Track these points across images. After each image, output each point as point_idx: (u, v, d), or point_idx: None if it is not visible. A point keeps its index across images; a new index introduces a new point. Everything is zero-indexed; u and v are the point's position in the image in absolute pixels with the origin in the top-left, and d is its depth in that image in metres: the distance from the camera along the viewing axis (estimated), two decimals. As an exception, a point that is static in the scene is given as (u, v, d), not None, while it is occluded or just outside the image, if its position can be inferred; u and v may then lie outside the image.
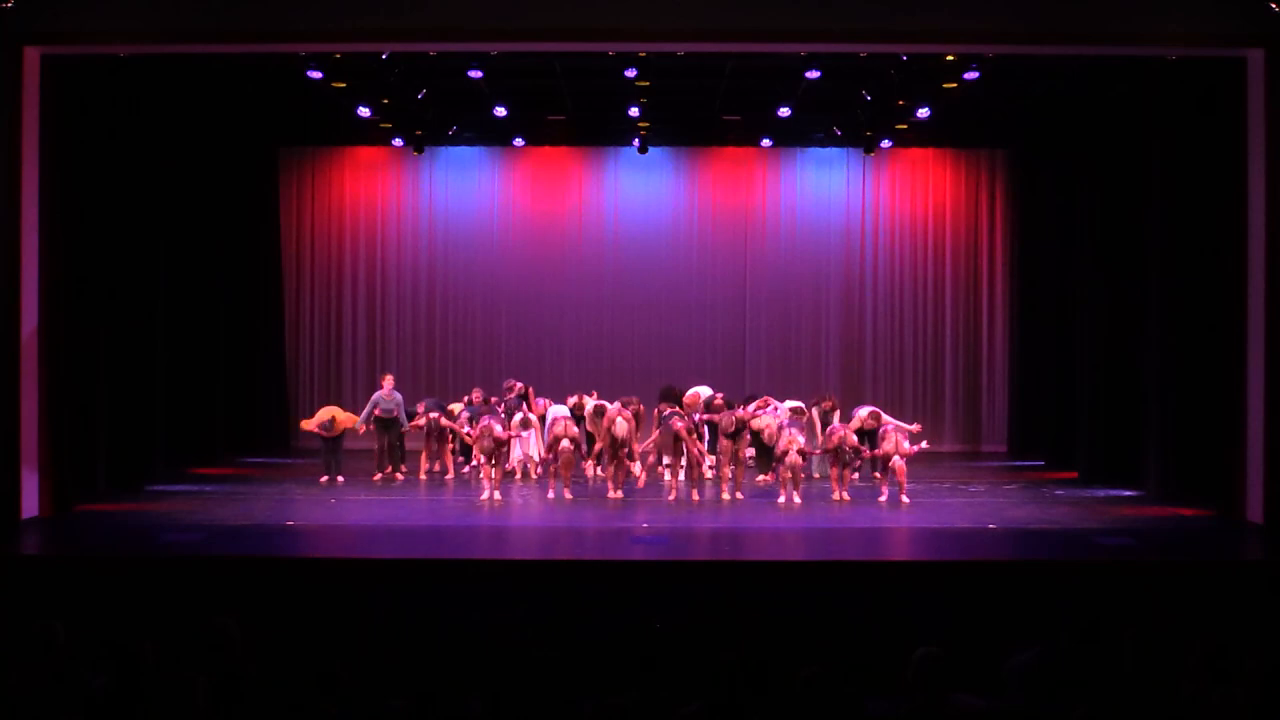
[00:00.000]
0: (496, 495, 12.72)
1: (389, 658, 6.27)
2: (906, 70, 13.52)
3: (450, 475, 14.62)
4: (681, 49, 12.72)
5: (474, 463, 13.91)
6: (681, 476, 13.43)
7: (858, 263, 18.40)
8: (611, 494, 13.10)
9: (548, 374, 17.66)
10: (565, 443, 12.89)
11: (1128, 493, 13.42)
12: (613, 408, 13.70)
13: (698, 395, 14.63)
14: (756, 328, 18.25)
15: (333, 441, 14.17)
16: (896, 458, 12.77)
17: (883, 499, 12.84)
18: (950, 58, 13.02)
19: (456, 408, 14.77)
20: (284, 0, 11.18)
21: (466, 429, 13.58)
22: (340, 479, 14.06)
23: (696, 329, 17.88)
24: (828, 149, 18.13)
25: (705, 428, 13.93)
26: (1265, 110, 11.16)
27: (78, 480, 12.17)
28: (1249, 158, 11.46)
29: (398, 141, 17.35)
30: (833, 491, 13.04)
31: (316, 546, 10.92)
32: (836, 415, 14.55)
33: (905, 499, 12.69)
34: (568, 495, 13.01)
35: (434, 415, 14.26)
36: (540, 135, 17.78)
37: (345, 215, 18.48)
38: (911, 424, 13.69)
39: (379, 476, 14.33)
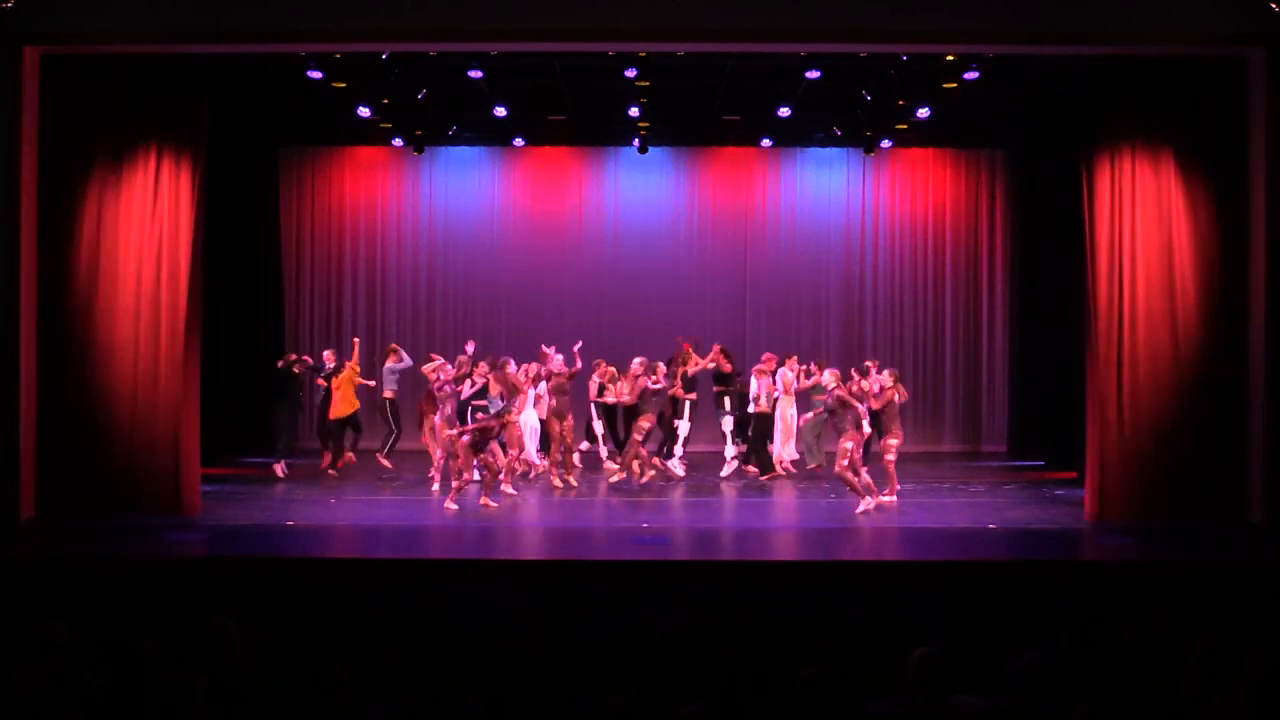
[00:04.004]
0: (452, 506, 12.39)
1: (389, 658, 6.26)
2: (906, 70, 13.52)
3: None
4: (681, 49, 12.72)
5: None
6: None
7: (858, 263, 18.40)
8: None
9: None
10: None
11: (1128, 493, 13.40)
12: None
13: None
14: (756, 328, 18.23)
15: (340, 427, 14.52)
16: (887, 456, 12.75)
17: (870, 504, 12.26)
18: (950, 58, 13.02)
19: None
20: (284, 0, 11.18)
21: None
22: (332, 469, 14.34)
23: (696, 328, 17.82)
24: (828, 149, 18.11)
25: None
26: (1266, 110, 11.15)
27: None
28: (1250, 157, 11.47)
29: (398, 141, 17.34)
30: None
31: (316, 546, 10.92)
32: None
33: (891, 497, 12.62)
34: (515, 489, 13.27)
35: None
36: (540, 135, 17.77)
37: (345, 215, 18.46)
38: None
39: (389, 464, 14.44)
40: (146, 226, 11.82)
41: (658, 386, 14.04)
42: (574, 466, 14.37)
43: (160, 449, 11.73)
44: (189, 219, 11.84)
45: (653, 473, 13.93)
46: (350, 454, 14.64)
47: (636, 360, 14.12)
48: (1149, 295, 11.73)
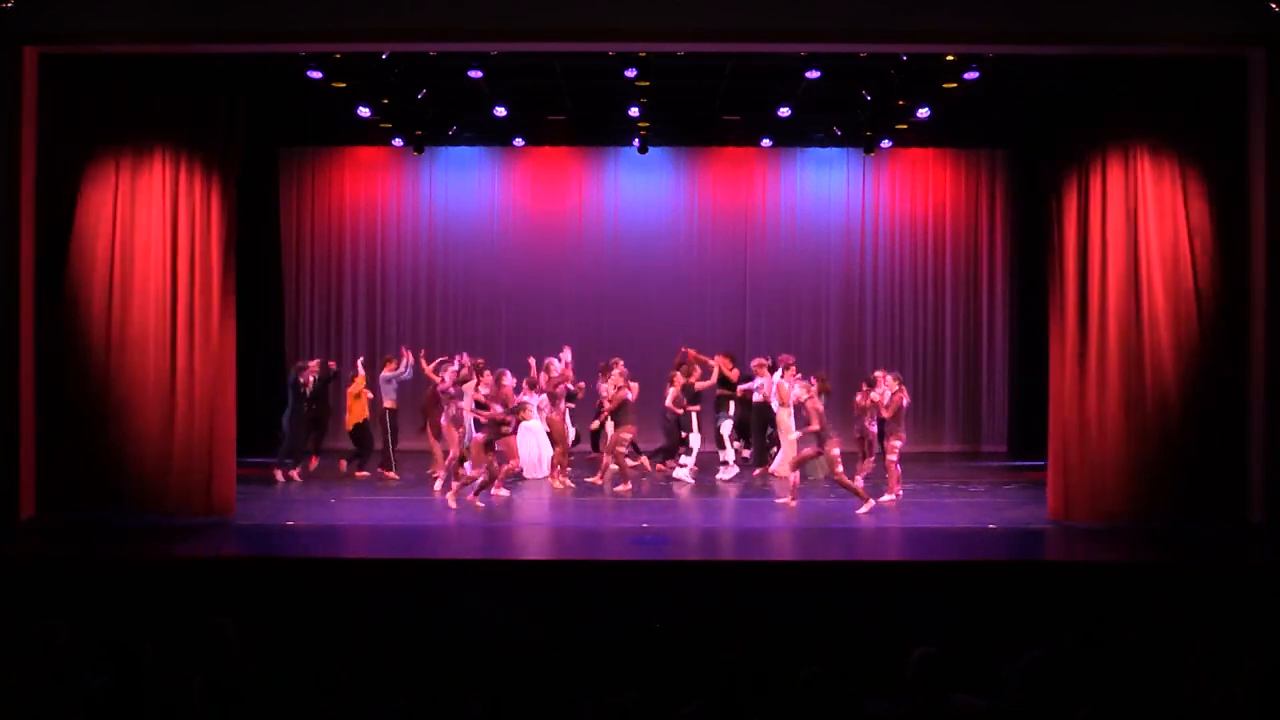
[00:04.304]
0: (452, 501, 12.44)
1: (389, 658, 6.26)
2: (906, 70, 13.52)
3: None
4: (681, 49, 12.72)
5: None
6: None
7: (858, 262, 18.40)
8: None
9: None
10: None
11: (1128, 493, 13.38)
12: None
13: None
14: (756, 328, 18.24)
15: (355, 436, 14.80)
16: (889, 456, 12.73)
17: (870, 506, 12.24)
18: (950, 58, 13.02)
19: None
20: (284, 0, 11.17)
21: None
22: (354, 472, 14.58)
23: (696, 328, 17.84)
24: (828, 149, 18.12)
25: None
26: (1266, 110, 11.15)
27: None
28: (1249, 157, 11.46)
29: (398, 141, 17.34)
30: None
31: (316, 546, 10.91)
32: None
33: (892, 497, 12.59)
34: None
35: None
36: (540, 135, 17.77)
37: (345, 215, 18.46)
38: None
39: (394, 474, 14.40)
40: (174, 223, 11.65)
41: (679, 411, 14.15)
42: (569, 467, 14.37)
43: (196, 446, 11.51)
44: (219, 214, 11.73)
45: (634, 482, 13.87)
46: (315, 459, 14.91)
47: (617, 371, 14.13)
48: (1122, 293, 11.60)
